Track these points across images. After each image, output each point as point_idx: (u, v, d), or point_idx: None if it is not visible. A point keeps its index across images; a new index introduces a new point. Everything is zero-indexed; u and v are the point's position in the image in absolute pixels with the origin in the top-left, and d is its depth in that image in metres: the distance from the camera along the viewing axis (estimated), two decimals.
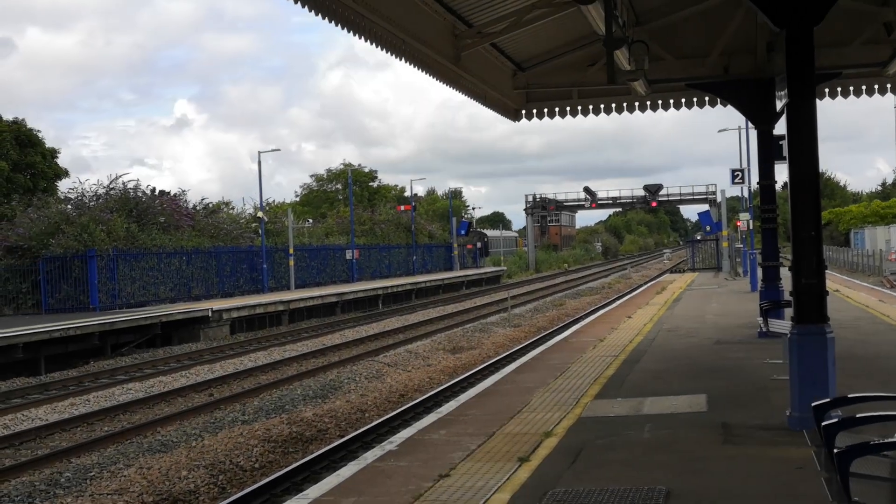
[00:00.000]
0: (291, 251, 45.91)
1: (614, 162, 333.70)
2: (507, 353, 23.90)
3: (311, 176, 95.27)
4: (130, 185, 41.99)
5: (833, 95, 18.15)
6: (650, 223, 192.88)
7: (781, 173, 18.39)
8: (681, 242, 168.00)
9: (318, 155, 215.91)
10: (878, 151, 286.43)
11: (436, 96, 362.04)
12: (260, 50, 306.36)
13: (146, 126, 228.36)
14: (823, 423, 5.08)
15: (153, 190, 44.28)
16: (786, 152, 9.84)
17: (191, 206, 45.95)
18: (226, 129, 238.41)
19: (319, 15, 10.47)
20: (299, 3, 9.98)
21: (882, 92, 18.31)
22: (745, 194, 47.90)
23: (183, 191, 48.60)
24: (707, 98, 18.45)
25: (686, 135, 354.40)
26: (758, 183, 18.66)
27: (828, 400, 5.62)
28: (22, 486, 12.54)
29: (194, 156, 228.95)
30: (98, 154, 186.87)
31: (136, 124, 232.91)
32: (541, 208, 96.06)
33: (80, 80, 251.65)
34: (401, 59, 12.82)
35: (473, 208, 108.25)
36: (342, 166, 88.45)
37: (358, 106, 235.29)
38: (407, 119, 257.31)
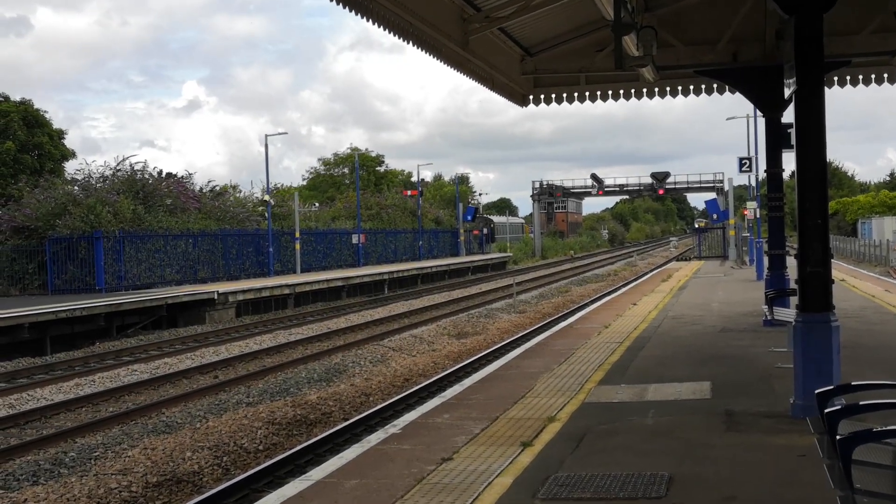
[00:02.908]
0: (298, 235, 45.94)
1: (625, 149, 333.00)
2: (512, 339, 23.91)
3: (319, 160, 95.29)
4: (137, 167, 42.09)
5: (842, 84, 18.08)
6: (657, 211, 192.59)
7: (789, 162, 18.33)
8: (687, 230, 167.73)
9: (328, 139, 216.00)
10: (890, 141, 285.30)
11: (447, 81, 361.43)
12: (271, 33, 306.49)
13: (155, 108, 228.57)
14: (826, 411, 5.07)
15: (160, 172, 44.36)
16: (793, 140, 9.81)
17: (198, 188, 45.99)
18: (235, 111, 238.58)
19: None
20: None
21: (892, 81, 18.22)
22: (753, 183, 47.78)
23: (190, 173, 48.73)
24: (715, 85, 18.38)
25: (697, 122, 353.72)
26: (765, 171, 18.60)
27: (831, 388, 5.61)
28: (27, 465, 12.59)
29: (203, 138, 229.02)
30: (107, 136, 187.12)
31: (145, 106, 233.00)
32: (548, 195, 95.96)
33: (90, 62, 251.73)
34: (408, 43, 12.78)
35: (480, 194, 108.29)
36: (349, 150, 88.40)
37: (369, 90, 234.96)
38: (418, 103, 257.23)
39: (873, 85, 18.18)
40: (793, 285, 11.64)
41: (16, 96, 51.92)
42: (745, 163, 41.12)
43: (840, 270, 35.78)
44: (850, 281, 30.33)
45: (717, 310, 22.40)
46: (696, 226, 69.35)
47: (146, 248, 36.42)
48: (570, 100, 18.88)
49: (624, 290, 34.06)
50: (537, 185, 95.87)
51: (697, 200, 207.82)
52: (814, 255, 9.40)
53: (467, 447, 9.06)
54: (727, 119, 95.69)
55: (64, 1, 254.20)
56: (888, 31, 16.15)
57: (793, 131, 10.19)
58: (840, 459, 4.55)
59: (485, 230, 78.65)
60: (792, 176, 11.49)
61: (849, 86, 18.14)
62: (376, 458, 8.86)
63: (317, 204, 70.61)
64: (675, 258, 68.31)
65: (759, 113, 33.10)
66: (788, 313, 13.55)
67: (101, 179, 40.59)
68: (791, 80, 9.86)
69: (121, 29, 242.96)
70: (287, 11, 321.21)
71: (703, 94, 18.65)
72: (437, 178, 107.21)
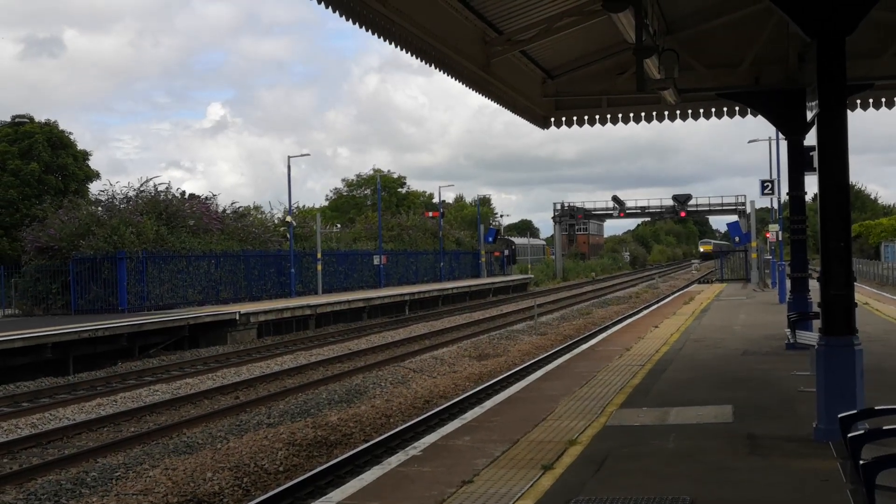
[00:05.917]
0: (319, 256, 46.05)
1: (648, 171, 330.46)
2: (533, 361, 23.85)
3: (343, 181, 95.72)
4: (161, 188, 42.37)
5: (864, 107, 18.02)
6: (679, 233, 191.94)
7: (812, 185, 18.26)
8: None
9: (353, 160, 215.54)
10: None
11: (473, 102, 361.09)
12: (296, 55, 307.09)
13: (181, 129, 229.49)
14: (849, 435, 5.05)
15: (183, 193, 44.62)
16: (816, 163, 9.79)
17: (220, 209, 46.25)
18: (260, 133, 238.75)
19: (350, 20, 10.50)
20: (330, 7, 10.00)
21: None
22: (775, 205, 47.59)
23: (213, 194, 48.94)
24: (737, 108, 18.36)
25: (720, 145, 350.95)
26: (787, 194, 18.53)
27: (854, 412, 5.58)
28: (48, 485, 12.63)
29: (228, 159, 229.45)
30: (132, 157, 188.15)
31: (170, 127, 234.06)
32: (569, 217, 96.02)
33: (115, 83, 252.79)
34: (430, 65, 12.84)
35: (501, 216, 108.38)
36: (372, 172, 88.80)
37: (394, 111, 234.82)
38: (443, 125, 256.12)
39: None
40: (815, 308, 11.59)
41: (42, 117, 52.43)
42: (768, 185, 41.00)
43: (863, 294, 35.55)
44: (873, 304, 30.12)
45: (739, 333, 22.29)
46: (702, 249, 69.02)
47: (169, 269, 36.60)
48: (592, 122, 18.90)
49: (645, 312, 33.94)
50: (559, 206, 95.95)
51: (719, 223, 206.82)
52: (837, 279, 9.35)
53: (488, 470, 9.03)
54: (749, 142, 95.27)
55: (91, 23, 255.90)
56: None
57: (815, 154, 10.16)
58: (863, 484, 4.53)
59: (506, 252, 78.65)
60: (814, 199, 11.45)
61: (871, 108, 18.08)
62: (397, 481, 8.85)
63: (339, 225, 70.81)
64: (697, 281, 68.07)
65: (781, 135, 33.03)
66: (811, 337, 13.48)
67: (125, 200, 40.84)
68: (813, 103, 9.84)
69: (147, 51, 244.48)
70: (312, 34, 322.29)
71: (726, 117, 18.63)
72: (459, 199, 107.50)
